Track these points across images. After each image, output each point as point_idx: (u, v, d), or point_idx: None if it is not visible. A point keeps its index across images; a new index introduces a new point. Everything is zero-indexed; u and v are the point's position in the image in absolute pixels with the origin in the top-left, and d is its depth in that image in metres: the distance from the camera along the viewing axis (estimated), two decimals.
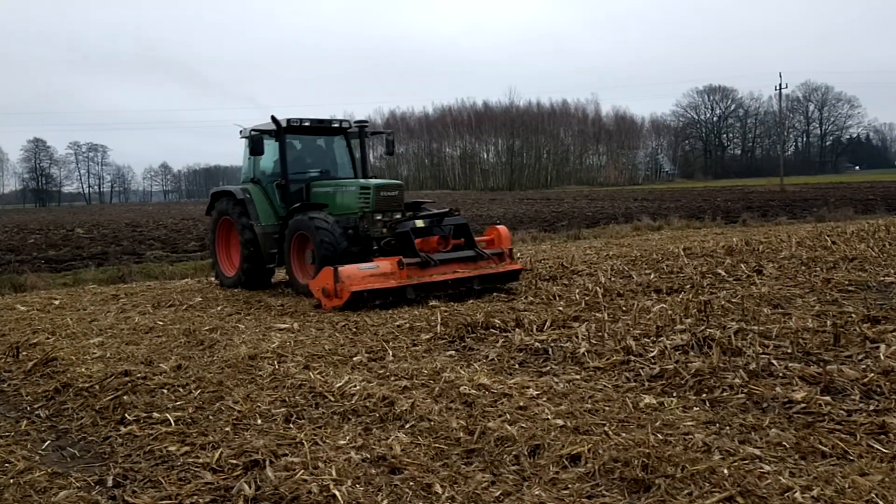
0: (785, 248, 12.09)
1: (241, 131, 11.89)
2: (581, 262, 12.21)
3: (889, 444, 3.83)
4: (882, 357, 5.21)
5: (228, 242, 12.07)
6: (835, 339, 5.74)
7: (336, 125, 11.72)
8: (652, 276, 10.01)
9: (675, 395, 4.90)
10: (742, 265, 10.36)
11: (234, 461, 4.09)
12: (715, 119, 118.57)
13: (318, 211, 10.30)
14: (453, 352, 6.48)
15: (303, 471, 3.85)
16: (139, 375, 5.93)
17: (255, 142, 10.92)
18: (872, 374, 4.84)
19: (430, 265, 9.32)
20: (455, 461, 3.97)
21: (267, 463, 4.00)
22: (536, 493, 3.52)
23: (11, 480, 4.05)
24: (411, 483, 3.70)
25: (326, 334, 7.45)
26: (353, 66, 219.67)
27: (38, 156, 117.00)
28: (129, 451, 4.47)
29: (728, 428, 4.21)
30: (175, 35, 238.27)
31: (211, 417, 4.92)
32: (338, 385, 5.34)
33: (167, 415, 4.96)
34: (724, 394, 4.78)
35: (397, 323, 7.70)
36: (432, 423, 4.51)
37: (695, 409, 4.59)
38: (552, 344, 6.29)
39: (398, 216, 10.36)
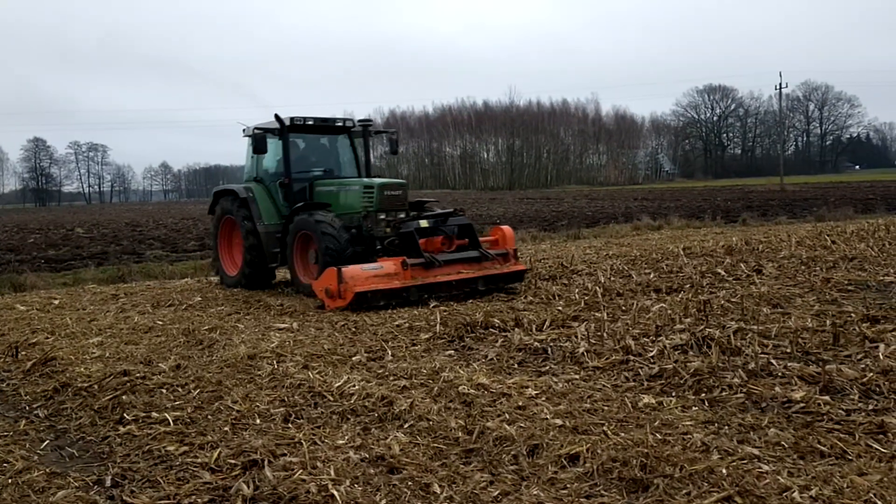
0: (785, 248, 12.09)
1: (244, 130, 11.84)
2: (581, 262, 12.21)
3: (888, 444, 3.82)
4: (881, 357, 5.21)
5: (231, 242, 12.03)
6: (834, 339, 5.74)
7: (340, 124, 11.67)
8: (651, 276, 10.01)
9: (674, 394, 4.90)
10: (742, 265, 10.36)
11: (233, 461, 4.09)
12: (715, 118, 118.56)
13: (322, 210, 10.25)
14: (452, 351, 6.48)
15: (301, 470, 3.85)
16: (138, 375, 5.92)
17: (258, 140, 10.88)
18: (871, 374, 4.84)
19: (435, 266, 9.26)
20: (453, 461, 3.97)
21: (265, 463, 4.00)
22: (535, 492, 3.52)
23: (10, 480, 4.05)
24: (410, 483, 3.70)
25: (326, 334, 7.45)
26: (353, 66, 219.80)
27: (38, 155, 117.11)
28: (127, 450, 4.47)
29: (727, 427, 4.21)
30: (175, 34, 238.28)
31: (210, 417, 4.91)
32: (337, 385, 5.34)
33: (166, 414, 4.96)
34: (723, 393, 4.78)
35: (396, 323, 7.70)
36: (431, 422, 4.51)
37: (694, 408, 4.59)
38: (551, 344, 6.29)
39: (402, 215, 10.31)
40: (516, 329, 6.97)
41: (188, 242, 23.28)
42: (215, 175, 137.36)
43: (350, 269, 8.77)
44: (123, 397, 5.44)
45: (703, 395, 4.82)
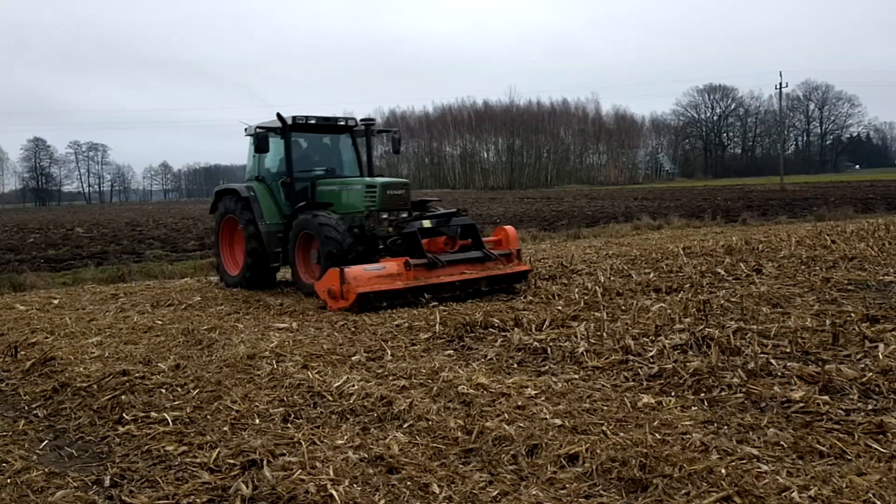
0: (784, 248, 12.09)
1: (245, 129, 11.81)
2: (580, 262, 12.20)
3: (887, 444, 3.82)
4: (881, 356, 5.20)
5: (232, 241, 12.00)
6: (833, 339, 5.73)
7: (342, 123, 11.63)
8: (651, 276, 10.00)
9: (673, 394, 4.90)
10: (741, 264, 10.36)
11: (232, 461, 4.09)
12: (715, 118, 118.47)
13: (324, 210, 10.22)
14: (452, 351, 6.47)
15: (300, 470, 3.85)
16: (137, 375, 5.92)
17: (260, 139, 10.84)
18: (871, 374, 4.83)
19: (438, 266, 9.20)
20: (453, 461, 3.97)
21: (264, 463, 4.00)
22: (534, 492, 3.52)
23: (9, 480, 4.05)
24: (409, 483, 3.70)
25: (325, 334, 7.45)
26: (353, 66, 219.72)
27: (38, 155, 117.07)
28: (126, 450, 4.47)
29: (726, 427, 4.21)
30: (175, 34, 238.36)
31: (209, 417, 4.91)
32: (336, 385, 5.33)
33: (165, 414, 4.96)
34: (723, 393, 4.78)
35: (396, 322, 7.70)
36: (430, 422, 4.51)
37: (693, 408, 4.59)
38: (551, 343, 6.29)
39: (404, 215, 10.27)
40: (516, 329, 6.97)
41: (188, 242, 23.27)
42: (215, 175, 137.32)
43: (353, 270, 8.72)
44: (122, 397, 5.44)
45: (703, 394, 4.82)
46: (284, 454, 4.11)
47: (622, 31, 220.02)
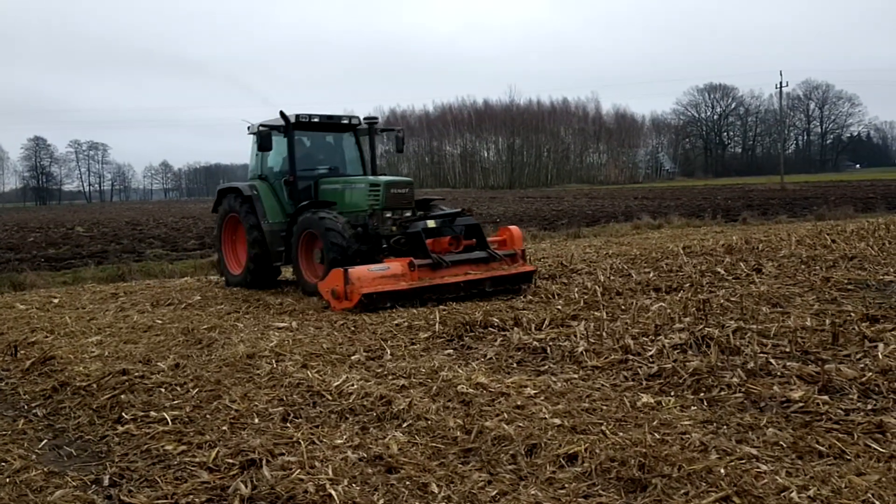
0: (785, 247, 12.08)
1: (248, 127, 11.77)
2: (580, 261, 12.20)
3: (886, 444, 3.82)
4: (880, 356, 5.20)
5: (235, 240, 11.96)
6: (833, 338, 5.73)
7: (345, 122, 11.58)
8: (651, 275, 10.00)
9: (672, 394, 4.89)
10: (741, 264, 10.35)
11: (231, 460, 4.09)
12: (715, 117, 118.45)
13: (327, 209, 10.16)
14: (451, 350, 6.47)
15: (299, 470, 3.85)
16: (137, 374, 5.92)
17: (263, 137, 10.78)
18: (870, 374, 4.83)
19: (442, 266, 9.13)
20: (452, 460, 3.97)
21: (263, 462, 4.00)
22: (533, 492, 3.51)
23: (8, 479, 4.05)
24: (407, 482, 3.70)
25: (325, 333, 7.44)
26: (352, 65, 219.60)
27: (39, 154, 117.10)
28: (125, 450, 4.47)
29: (725, 427, 4.21)
30: (175, 33, 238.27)
31: (208, 416, 4.91)
32: (335, 384, 5.33)
33: (164, 414, 4.96)
34: (722, 393, 4.78)
35: (396, 322, 7.70)
36: (429, 422, 4.51)
37: (692, 408, 4.59)
38: (550, 343, 6.28)
39: (408, 214, 10.23)
40: (515, 328, 6.97)
41: (188, 241, 23.27)
42: (216, 174, 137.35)
43: (357, 270, 8.64)
44: (122, 396, 5.44)
45: (702, 394, 4.81)
46: (283, 454, 4.11)
47: (622, 30, 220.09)
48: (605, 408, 4.65)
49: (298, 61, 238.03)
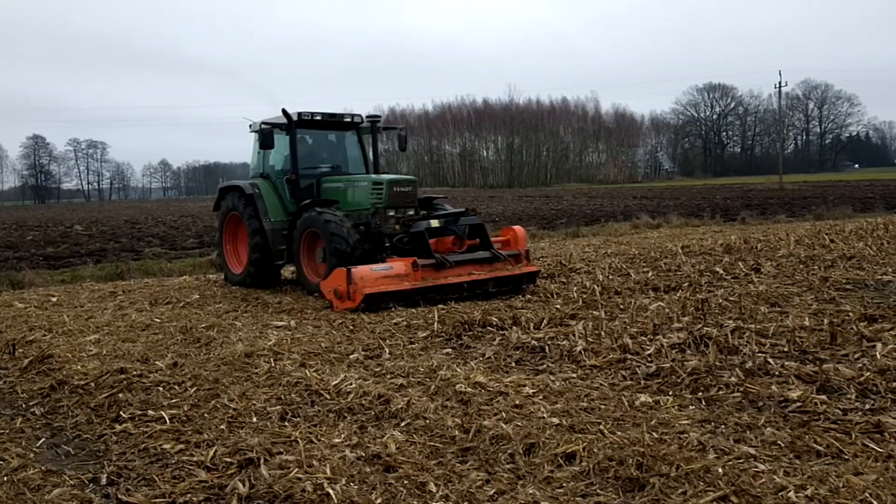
0: (783, 247, 12.09)
1: (250, 125, 11.70)
2: (579, 260, 12.20)
3: (884, 444, 3.82)
4: (878, 356, 5.21)
5: (236, 239, 11.90)
6: (831, 338, 5.73)
7: (348, 120, 11.51)
8: (650, 275, 10.00)
9: (670, 393, 4.90)
10: (740, 263, 10.36)
11: (229, 459, 4.08)
12: (714, 117, 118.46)
13: (329, 208, 10.09)
14: (450, 350, 6.47)
15: (297, 469, 3.84)
16: (135, 373, 5.91)
17: (265, 135, 10.71)
18: (868, 373, 4.83)
19: (446, 267, 9.06)
20: (450, 459, 3.97)
21: (261, 461, 3.99)
22: (531, 491, 3.51)
23: (5, 478, 4.04)
24: (406, 481, 3.70)
25: (323, 332, 7.44)
26: (352, 64, 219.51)
27: (38, 152, 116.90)
28: (123, 448, 4.46)
29: (723, 427, 4.21)
30: (175, 32, 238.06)
31: (206, 415, 4.91)
32: (334, 383, 5.33)
33: (162, 412, 4.95)
34: (720, 392, 4.78)
35: (394, 321, 7.69)
36: (428, 421, 4.51)
37: (690, 407, 4.59)
38: (549, 342, 6.29)
39: (411, 213, 10.19)
40: (514, 327, 6.97)
41: (187, 240, 23.24)
42: (215, 172, 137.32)
43: (360, 270, 8.57)
44: (120, 395, 5.43)
45: (700, 393, 4.82)
46: (281, 452, 4.11)
47: (622, 30, 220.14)
48: (603, 407, 4.65)
49: (298, 60, 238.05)
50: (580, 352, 5.92)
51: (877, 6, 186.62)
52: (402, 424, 4.51)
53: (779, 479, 3.41)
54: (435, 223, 9.63)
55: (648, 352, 5.75)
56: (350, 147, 11.95)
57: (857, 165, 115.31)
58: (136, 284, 12.54)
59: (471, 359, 6.08)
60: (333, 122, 11.46)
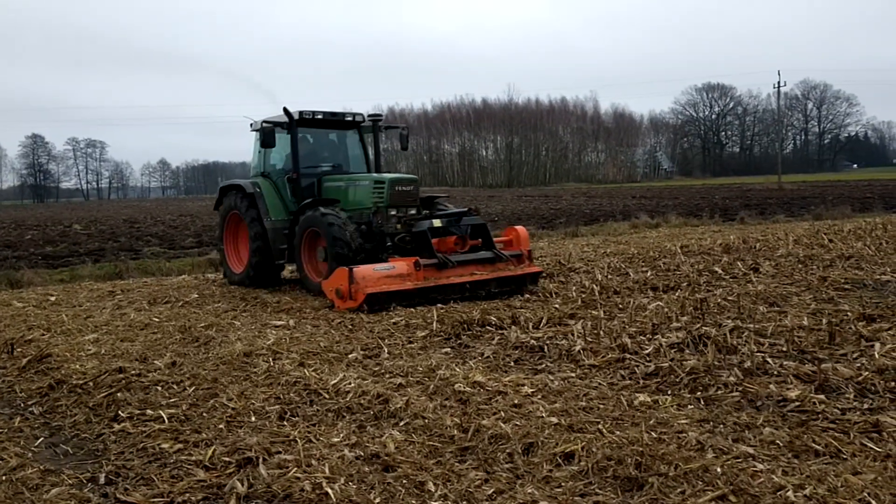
0: (782, 246, 12.10)
1: (251, 124, 11.65)
2: (578, 260, 12.20)
3: (882, 443, 3.83)
4: (877, 355, 5.21)
5: (237, 238, 11.86)
6: (830, 338, 5.74)
7: (349, 119, 11.46)
8: (649, 274, 10.01)
9: (669, 393, 4.90)
10: (739, 263, 10.37)
11: (227, 459, 4.08)
12: (713, 117, 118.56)
13: (331, 207, 10.05)
14: (449, 349, 6.47)
15: (296, 468, 3.84)
16: (133, 372, 5.91)
17: (266, 134, 10.66)
18: (867, 373, 4.84)
19: (448, 266, 9.01)
20: (448, 459, 3.97)
21: (260, 460, 3.99)
22: (529, 491, 3.51)
23: (4, 477, 4.04)
24: (404, 481, 3.70)
25: (322, 331, 7.44)
26: (351, 63, 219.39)
27: (36, 152, 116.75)
28: (121, 448, 4.46)
29: (722, 426, 4.21)
30: (174, 31, 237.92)
31: (205, 415, 4.90)
32: (332, 382, 5.33)
33: (161, 412, 4.95)
34: (719, 392, 4.79)
35: (393, 320, 7.69)
36: (426, 420, 4.51)
37: (689, 407, 4.59)
38: (548, 341, 6.29)
39: (413, 212, 10.15)
40: (513, 327, 6.97)
41: (186, 239, 23.23)
42: (214, 172, 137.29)
43: (362, 270, 8.53)
44: (118, 395, 5.43)
45: (699, 393, 4.82)
46: (280, 452, 4.11)
47: (621, 30, 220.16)
48: (602, 406, 4.66)
49: (297, 60, 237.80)
50: (579, 351, 5.92)
51: (876, 6, 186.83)
52: (401, 424, 4.51)
53: (777, 479, 3.42)
54: (437, 223, 9.58)
55: (647, 351, 5.75)
56: (351, 146, 11.90)
57: (855, 165, 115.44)
58: (135, 284, 12.53)
59: (470, 358, 6.08)
60: (335, 121, 11.42)
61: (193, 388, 5.49)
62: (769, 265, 10.11)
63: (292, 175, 10.92)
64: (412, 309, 8.25)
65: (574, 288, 9.13)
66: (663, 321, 6.70)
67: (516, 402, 4.77)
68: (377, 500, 3.51)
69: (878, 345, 5.46)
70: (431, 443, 4.18)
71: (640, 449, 3.77)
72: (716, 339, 5.79)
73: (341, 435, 4.35)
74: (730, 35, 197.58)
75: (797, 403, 4.45)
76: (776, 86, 59.91)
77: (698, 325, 6.31)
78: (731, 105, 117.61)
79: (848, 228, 14.82)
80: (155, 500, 3.70)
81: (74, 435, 4.84)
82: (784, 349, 5.58)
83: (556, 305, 8.00)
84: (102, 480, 3.99)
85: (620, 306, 7.75)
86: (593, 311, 7.48)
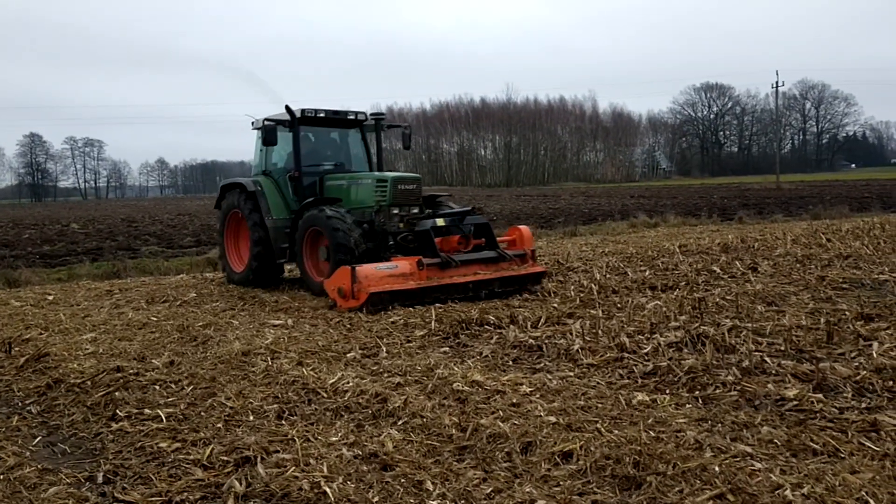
0: (780, 246, 12.10)
1: (253, 122, 11.60)
2: (577, 259, 12.21)
3: (880, 442, 3.83)
4: (875, 355, 5.22)
5: (238, 237, 11.81)
6: (828, 337, 5.74)
7: (351, 117, 11.38)
8: (647, 273, 10.01)
9: (667, 392, 4.90)
10: (737, 262, 10.38)
11: (226, 458, 4.08)
12: (712, 116, 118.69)
13: (333, 206, 10.01)
14: (447, 348, 6.47)
15: (294, 467, 3.84)
16: (131, 371, 5.91)
17: (268, 132, 10.60)
18: (865, 372, 4.84)
19: (451, 266, 8.94)
20: (447, 458, 3.97)
21: (258, 459, 3.99)
22: (528, 490, 3.51)
23: (1, 476, 4.04)
24: (402, 480, 3.69)
25: (320, 330, 7.43)
26: (350, 62, 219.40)
27: (34, 150, 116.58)
28: (119, 447, 4.45)
29: (720, 425, 4.21)
30: (172, 29, 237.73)
31: (203, 414, 4.90)
32: (331, 381, 5.32)
33: (159, 411, 4.94)
34: (717, 391, 4.79)
35: (391, 319, 7.69)
36: (425, 419, 4.50)
37: (687, 406, 4.59)
38: (546, 341, 6.29)
39: (415, 211, 10.13)
40: (511, 326, 6.97)
41: (184, 238, 23.21)
42: (212, 171, 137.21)
43: (364, 269, 8.48)
44: (116, 394, 5.42)
45: (697, 392, 4.82)
46: (278, 451, 4.11)
47: (620, 29, 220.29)
48: (600, 406, 4.66)
49: (295, 59, 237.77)
50: (577, 350, 5.92)
51: (874, 6, 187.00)
52: (399, 423, 4.50)
53: (775, 478, 3.42)
54: (440, 222, 9.50)
55: (645, 350, 5.75)
56: (353, 145, 11.85)
57: (853, 165, 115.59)
58: (133, 283, 12.52)
59: (468, 357, 6.08)
60: (337, 120, 11.36)
61: (191, 387, 5.48)
62: (767, 265, 10.12)
63: (294, 173, 10.86)
64: (411, 308, 8.24)
65: (572, 287, 9.13)
66: (661, 320, 6.70)
67: (515, 401, 4.77)
68: (375, 499, 3.51)
69: (876, 344, 5.47)
70: (430, 442, 4.18)
71: (639, 448, 3.78)
72: (714, 339, 5.79)
73: (339, 434, 4.35)
74: (728, 35, 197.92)
75: (795, 402, 4.45)
76: (774, 85, 59.99)
77: (696, 325, 6.31)
78: (729, 105, 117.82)
79: (846, 228, 14.84)
80: (153, 499, 3.69)
81: (72, 434, 4.83)
82: (782, 348, 5.59)
83: (555, 305, 8.00)
84: (100, 479, 3.99)
85: (619, 306, 7.75)
86: (592, 311, 7.48)
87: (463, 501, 3.46)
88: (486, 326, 7.06)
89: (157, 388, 5.52)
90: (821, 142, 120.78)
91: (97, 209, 57.28)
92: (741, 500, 3.26)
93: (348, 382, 5.28)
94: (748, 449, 3.79)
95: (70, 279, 13.66)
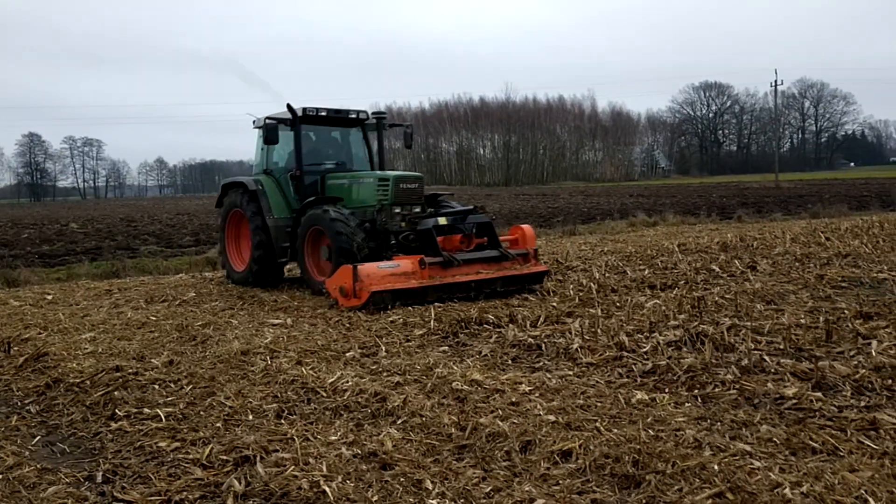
0: (779, 245, 12.11)
1: (254, 121, 11.58)
2: (576, 258, 12.21)
3: (879, 441, 3.83)
4: (874, 353, 5.22)
5: (238, 236, 11.79)
6: (827, 336, 5.75)
7: (353, 116, 11.35)
8: (646, 272, 10.01)
9: (667, 390, 4.90)
10: (736, 261, 10.38)
11: (225, 457, 4.08)
12: (711, 115, 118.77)
13: (335, 205, 9.97)
14: (446, 347, 6.47)
15: (293, 467, 3.84)
16: (130, 371, 5.90)
17: (269, 130, 10.56)
18: (864, 371, 4.85)
19: (453, 265, 8.90)
20: (446, 457, 3.97)
21: (257, 459, 3.99)
22: (527, 488, 3.52)
23: (0, 476, 4.03)
24: (402, 479, 3.69)
25: (319, 330, 7.43)
26: (348, 61, 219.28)
27: (33, 150, 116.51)
28: (119, 446, 4.45)
29: (719, 424, 4.22)
30: (171, 29, 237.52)
31: (202, 413, 4.90)
32: (330, 381, 5.32)
33: (158, 410, 4.94)
34: (716, 390, 4.79)
35: (391, 319, 7.69)
36: (424, 418, 4.50)
37: (686, 404, 4.60)
38: (545, 339, 6.29)
39: (417, 209, 10.10)
40: (510, 325, 6.97)
41: (183, 238, 23.20)
42: (211, 170, 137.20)
43: (366, 268, 8.45)
44: (115, 393, 5.42)
45: (696, 391, 4.83)
46: (277, 450, 4.11)
47: (619, 28, 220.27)
48: (599, 404, 4.66)
49: (295, 58, 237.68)
50: (576, 349, 5.92)
51: (874, 6, 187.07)
52: (399, 422, 4.50)
53: (774, 476, 3.42)
54: (443, 221, 9.46)
55: (645, 349, 5.76)
56: (355, 144, 11.82)
57: (852, 164, 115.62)
58: (132, 282, 12.51)
59: (467, 356, 6.08)
60: (339, 119, 11.32)
61: (191, 386, 5.48)
62: (766, 263, 10.12)
63: (295, 172, 10.84)
64: (410, 307, 8.23)
65: (572, 286, 9.13)
66: (661, 319, 6.70)
67: (514, 400, 4.77)
68: (375, 499, 3.51)
69: (875, 342, 5.47)
70: (429, 441, 4.18)
71: (638, 447, 3.78)
72: (713, 337, 5.79)
73: (339, 433, 4.35)
74: (728, 34, 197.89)
75: (794, 401, 4.45)
76: (773, 84, 59.99)
77: (696, 323, 6.32)
78: (728, 104, 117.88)
79: (845, 227, 14.85)
80: (152, 498, 3.69)
81: (71, 433, 4.83)
82: (781, 347, 5.59)
83: (554, 304, 8.00)
84: (99, 479, 3.99)
85: (618, 304, 7.76)
86: (591, 310, 7.49)
87: (462, 500, 3.46)
88: (485, 325, 7.06)
89: (157, 387, 5.52)
90: (820, 140, 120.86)
91: (96, 209, 57.24)
92: (740, 498, 3.26)
93: (347, 382, 5.28)
94: (747, 447, 3.80)
95: (69, 279, 13.65)
